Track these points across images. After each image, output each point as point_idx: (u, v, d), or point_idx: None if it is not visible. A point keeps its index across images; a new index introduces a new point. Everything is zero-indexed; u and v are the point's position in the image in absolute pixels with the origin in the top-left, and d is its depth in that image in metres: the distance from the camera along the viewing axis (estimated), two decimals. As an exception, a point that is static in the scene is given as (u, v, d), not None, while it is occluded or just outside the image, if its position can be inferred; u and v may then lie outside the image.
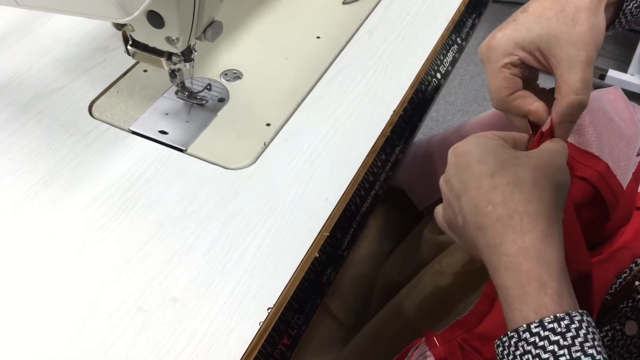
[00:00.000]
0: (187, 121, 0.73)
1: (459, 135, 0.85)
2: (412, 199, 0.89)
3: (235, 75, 0.79)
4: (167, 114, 0.74)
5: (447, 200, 0.52)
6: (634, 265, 0.57)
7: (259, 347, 0.54)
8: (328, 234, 0.62)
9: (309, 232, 0.62)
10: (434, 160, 0.87)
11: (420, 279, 0.74)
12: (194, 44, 0.68)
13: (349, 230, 0.64)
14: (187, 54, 0.68)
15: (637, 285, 0.52)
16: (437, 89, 0.80)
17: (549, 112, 0.53)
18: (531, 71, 0.55)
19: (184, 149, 0.70)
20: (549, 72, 0.53)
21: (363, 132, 0.72)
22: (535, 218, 0.45)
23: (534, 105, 0.54)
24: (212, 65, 0.80)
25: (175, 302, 0.56)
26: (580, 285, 0.49)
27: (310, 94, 0.76)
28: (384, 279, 0.84)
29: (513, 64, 0.53)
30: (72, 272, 0.58)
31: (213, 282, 0.57)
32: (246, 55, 0.82)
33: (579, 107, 0.51)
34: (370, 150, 0.69)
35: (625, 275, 0.58)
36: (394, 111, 0.74)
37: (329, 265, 0.62)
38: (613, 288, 0.57)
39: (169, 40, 0.65)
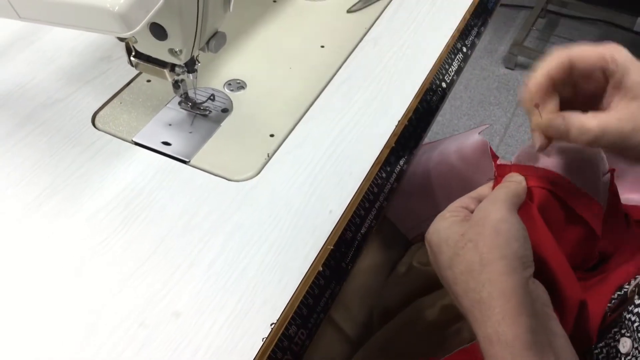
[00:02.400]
0: (190, 132, 0.73)
1: (434, 173, 0.84)
2: (401, 229, 0.89)
3: (239, 86, 0.79)
4: (170, 124, 0.74)
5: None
6: (631, 281, 0.56)
7: (262, 363, 0.53)
8: (332, 247, 0.62)
9: (313, 245, 0.61)
10: (410, 197, 0.86)
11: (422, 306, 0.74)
12: (197, 55, 0.68)
13: (353, 243, 0.64)
14: (191, 65, 0.68)
15: (629, 304, 0.52)
16: (442, 98, 0.79)
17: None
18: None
19: (187, 160, 0.69)
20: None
21: (367, 143, 0.71)
22: (490, 302, 0.46)
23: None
24: (216, 75, 0.80)
25: (177, 317, 0.55)
26: (576, 311, 0.49)
27: (315, 104, 0.76)
28: (380, 305, 0.84)
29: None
30: (73, 286, 0.57)
31: (216, 297, 0.57)
32: (250, 65, 0.82)
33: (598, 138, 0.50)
34: (375, 162, 0.69)
35: (619, 293, 0.57)
36: (399, 121, 0.73)
37: (333, 279, 0.61)
38: (612, 302, 0.56)
39: (172, 52, 0.65)
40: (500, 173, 0.58)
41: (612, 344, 0.52)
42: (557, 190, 0.56)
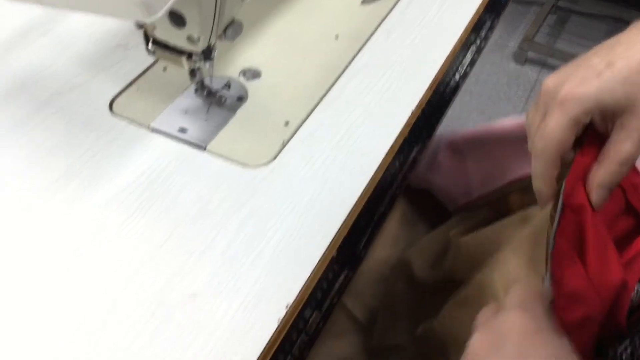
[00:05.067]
0: (205, 119, 0.74)
1: (492, 133, 0.84)
2: (441, 199, 0.89)
3: (254, 74, 0.80)
4: (186, 112, 0.75)
5: None
6: None
7: (277, 343, 0.54)
8: (346, 234, 0.62)
9: (327, 231, 0.62)
10: (465, 158, 0.86)
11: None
12: (214, 43, 0.69)
13: (366, 230, 0.65)
14: (208, 53, 0.69)
15: None
16: (455, 90, 0.80)
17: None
18: None
19: (204, 146, 0.70)
20: (605, 133, 0.51)
21: (381, 133, 0.72)
22: None
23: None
24: (232, 63, 0.80)
25: (195, 298, 0.56)
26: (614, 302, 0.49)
27: (329, 93, 0.77)
28: (403, 269, 0.84)
29: (584, 124, 0.51)
30: (92, 268, 0.58)
31: (232, 280, 0.58)
32: (265, 54, 0.82)
33: (619, 178, 0.49)
34: (388, 151, 0.70)
35: None
36: (412, 112, 0.74)
37: (346, 265, 0.62)
38: (637, 298, 0.56)
39: (190, 39, 0.66)
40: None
41: (637, 343, 0.49)
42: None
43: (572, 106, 0.50)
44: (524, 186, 0.75)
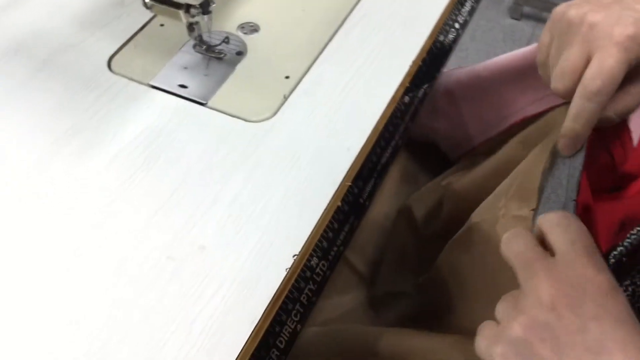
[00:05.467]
0: (205, 75, 0.74)
1: (485, 72, 0.82)
2: (443, 148, 0.88)
3: (253, 29, 0.79)
4: (185, 68, 0.74)
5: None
6: None
7: (285, 292, 0.55)
8: (350, 183, 0.63)
9: (332, 182, 0.63)
10: (460, 103, 0.85)
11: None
12: (212, -4, 0.68)
13: (370, 180, 0.65)
14: (205, 6, 0.68)
15: None
16: (456, 39, 0.80)
17: None
18: None
19: (204, 102, 0.70)
20: None
21: (382, 83, 0.72)
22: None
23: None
24: (229, 18, 0.80)
25: (203, 250, 0.57)
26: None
27: (328, 46, 0.76)
28: (405, 217, 0.84)
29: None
30: (101, 223, 0.59)
31: (239, 232, 0.58)
32: (263, 7, 0.82)
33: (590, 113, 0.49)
34: (390, 101, 0.70)
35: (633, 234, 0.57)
36: (413, 62, 0.74)
37: (351, 214, 0.62)
38: (627, 243, 0.57)
39: (187, -9, 0.65)
40: None
41: (638, 282, 0.50)
42: None
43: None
44: (525, 138, 0.74)
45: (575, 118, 0.50)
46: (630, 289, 0.51)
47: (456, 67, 0.87)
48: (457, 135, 0.86)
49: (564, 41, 0.52)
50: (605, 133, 0.57)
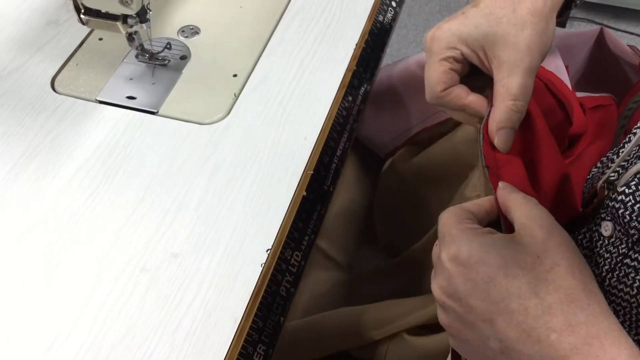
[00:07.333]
0: (153, 83, 0.73)
1: (395, 78, 0.84)
2: (373, 148, 0.88)
3: (193, 31, 0.79)
4: (131, 79, 0.73)
5: (463, 319, 0.43)
6: (602, 162, 0.60)
7: (264, 287, 0.55)
8: (312, 172, 0.64)
9: (294, 173, 0.63)
10: (379, 107, 0.86)
11: None
12: (148, 3, 0.67)
13: (330, 165, 0.66)
14: (143, 14, 0.68)
15: (607, 187, 0.51)
16: (395, 17, 0.81)
17: (485, 103, 0.52)
18: (471, 67, 0.54)
19: (155, 111, 0.70)
20: (489, 73, 0.51)
21: (329, 69, 0.72)
22: (619, 334, 0.39)
23: (468, 99, 0.53)
24: (168, 23, 0.79)
25: (176, 257, 0.57)
26: (564, 188, 0.52)
27: (271, 39, 0.76)
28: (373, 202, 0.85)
29: (455, 59, 0.52)
30: (70, 242, 0.58)
31: (210, 233, 0.58)
32: (201, 9, 0.81)
33: (517, 115, 0.49)
34: (340, 86, 0.71)
35: (593, 172, 0.61)
36: (357, 44, 0.74)
37: (317, 202, 0.63)
38: (586, 188, 0.60)
39: (122, 1, 0.64)
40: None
41: (594, 228, 0.51)
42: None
43: (436, 45, 0.52)
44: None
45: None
46: (587, 235, 0.53)
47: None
48: (381, 140, 0.87)
49: None
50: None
